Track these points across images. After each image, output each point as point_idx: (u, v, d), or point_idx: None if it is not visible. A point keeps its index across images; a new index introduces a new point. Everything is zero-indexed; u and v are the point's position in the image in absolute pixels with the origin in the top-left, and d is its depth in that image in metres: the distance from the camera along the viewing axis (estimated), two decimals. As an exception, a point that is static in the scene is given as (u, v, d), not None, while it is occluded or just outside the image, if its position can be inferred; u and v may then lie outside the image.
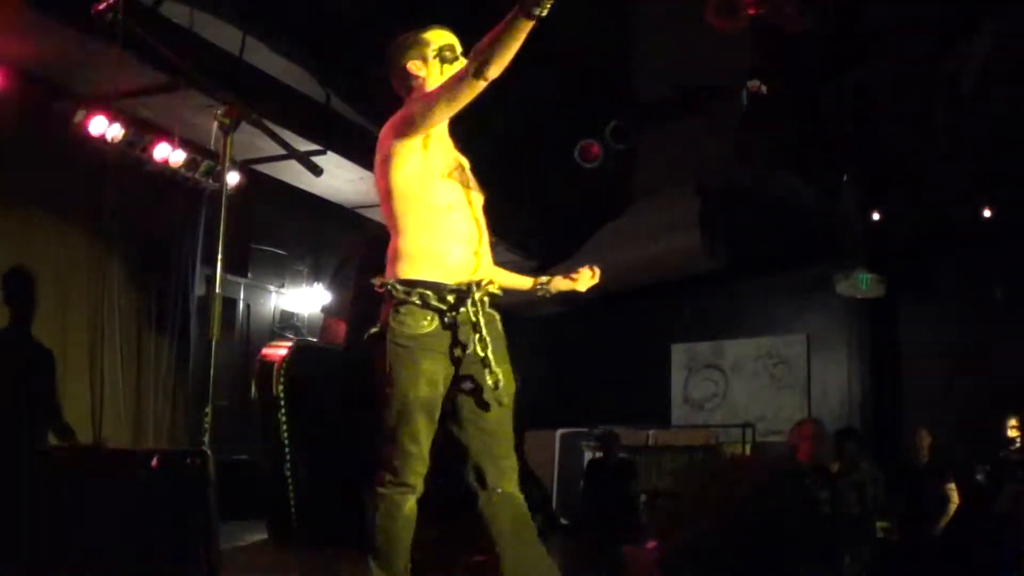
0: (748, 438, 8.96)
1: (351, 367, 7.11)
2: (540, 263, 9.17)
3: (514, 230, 8.05)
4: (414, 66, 2.78)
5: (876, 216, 8.57)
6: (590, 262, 3.11)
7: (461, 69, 2.50)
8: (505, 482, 2.64)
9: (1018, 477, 6.55)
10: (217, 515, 2.42)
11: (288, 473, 6.25)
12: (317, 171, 3.10)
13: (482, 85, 2.44)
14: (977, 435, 7.25)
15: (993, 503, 6.44)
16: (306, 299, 9.19)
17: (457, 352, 2.59)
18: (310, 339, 8.45)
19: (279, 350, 6.57)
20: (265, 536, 6.21)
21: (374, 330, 2.64)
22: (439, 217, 2.64)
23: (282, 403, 6.29)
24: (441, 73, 2.72)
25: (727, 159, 8.47)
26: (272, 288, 9.02)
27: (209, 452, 2.44)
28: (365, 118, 7.36)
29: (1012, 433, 6.85)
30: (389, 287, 2.61)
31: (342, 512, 6.30)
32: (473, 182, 2.77)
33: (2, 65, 5.43)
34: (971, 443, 7.24)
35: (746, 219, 8.91)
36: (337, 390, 6.70)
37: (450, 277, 2.62)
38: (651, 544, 4.56)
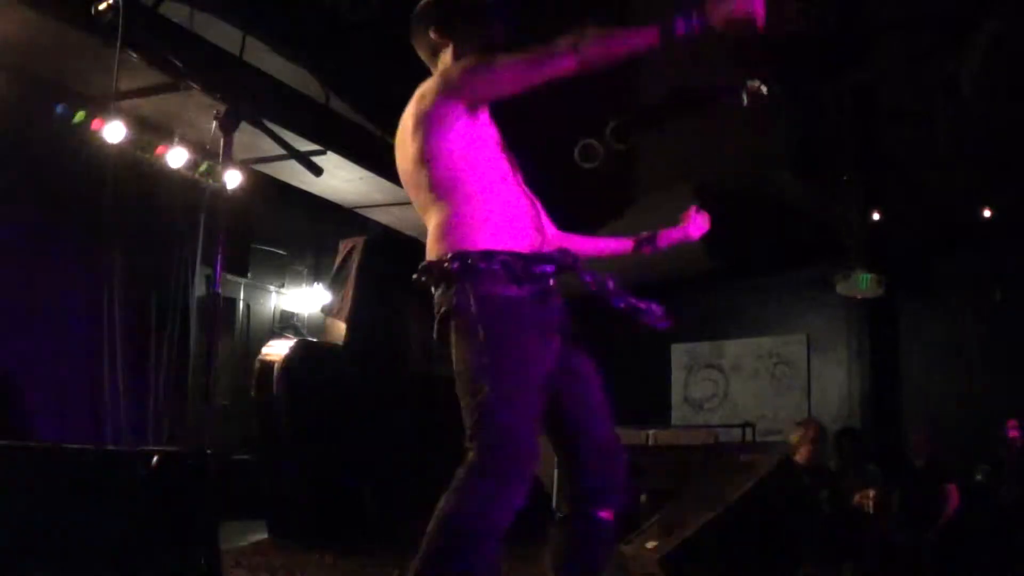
0: (748, 438, 8.95)
1: (351, 367, 7.13)
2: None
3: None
4: (438, 31, 2.46)
5: (876, 216, 8.56)
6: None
7: (559, 48, 2.20)
8: (606, 504, 2.31)
9: (1018, 477, 6.55)
10: (217, 515, 2.42)
11: (288, 473, 6.25)
12: (317, 171, 3.10)
13: (574, 73, 2.20)
14: (977, 435, 7.25)
15: (993, 503, 6.44)
16: (306, 299, 9.20)
17: (550, 329, 2.23)
18: (310, 339, 8.46)
19: (279, 350, 6.57)
20: (265, 536, 6.22)
21: (444, 308, 2.24)
22: (497, 187, 2.32)
23: (282, 403, 6.29)
24: (469, 35, 2.41)
25: (727, 159, 8.46)
26: (272, 288, 9.02)
27: (209, 452, 2.44)
28: (365, 118, 7.36)
29: (1012, 433, 6.85)
30: (458, 259, 2.20)
31: (342, 512, 6.32)
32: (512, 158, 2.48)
33: (2, 65, 5.43)
34: (971, 443, 7.24)
35: (746, 219, 8.90)
36: (337, 390, 6.71)
37: (523, 248, 2.27)
38: (651, 544, 4.55)
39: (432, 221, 2.32)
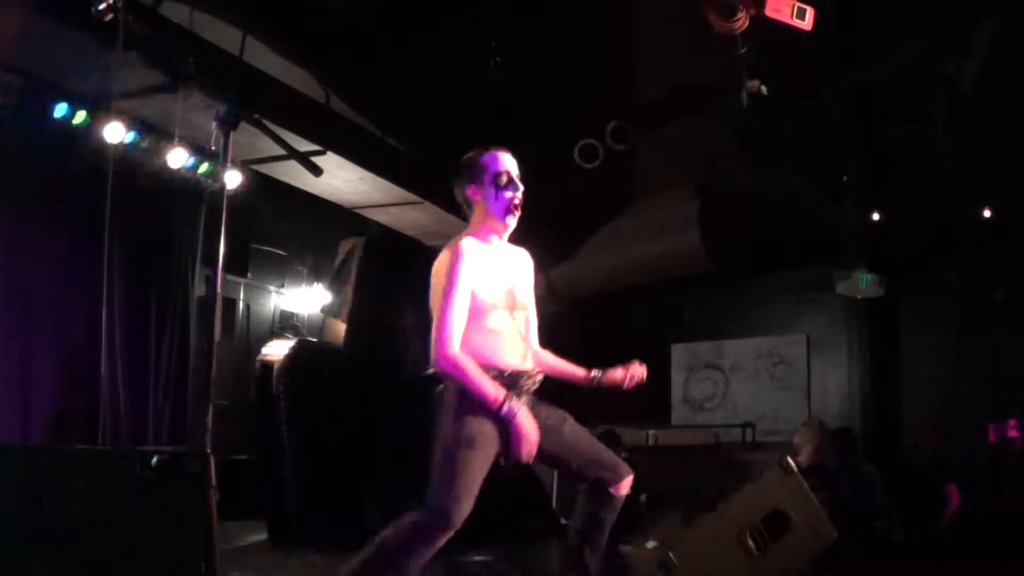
0: (748, 438, 8.95)
1: (351, 367, 7.13)
2: (539, 263, 9.15)
3: (514, 230, 7.99)
4: (472, 190, 3.11)
5: (876, 216, 8.56)
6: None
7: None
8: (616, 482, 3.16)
9: (1018, 477, 6.55)
10: (217, 515, 2.41)
11: (288, 473, 6.25)
12: (317, 171, 3.11)
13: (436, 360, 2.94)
14: (977, 435, 7.25)
15: (993, 503, 6.45)
16: (306, 299, 9.20)
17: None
18: (310, 339, 8.46)
19: (279, 350, 6.57)
20: (265, 536, 6.22)
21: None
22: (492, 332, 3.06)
23: (282, 403, 6.29)
24: (496, 198, 3.09)
25: (727, 159, 8.46)
26: (272, 288, 9.02)
27: (209, 452, 2.44)
28: (365, 118, 7.35)
29: (1012, 433, 6.85)
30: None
31: (342, 512, 6.32)
32: (520, 299, 3.16)
33: (1, 65, 5.43)
34: (971, 443, 7.24)
35: (746, 219, 8.90)
36: (337, 390, 6.71)
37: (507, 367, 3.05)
38: (651, 544, 4.55)
39: None
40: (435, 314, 2.96)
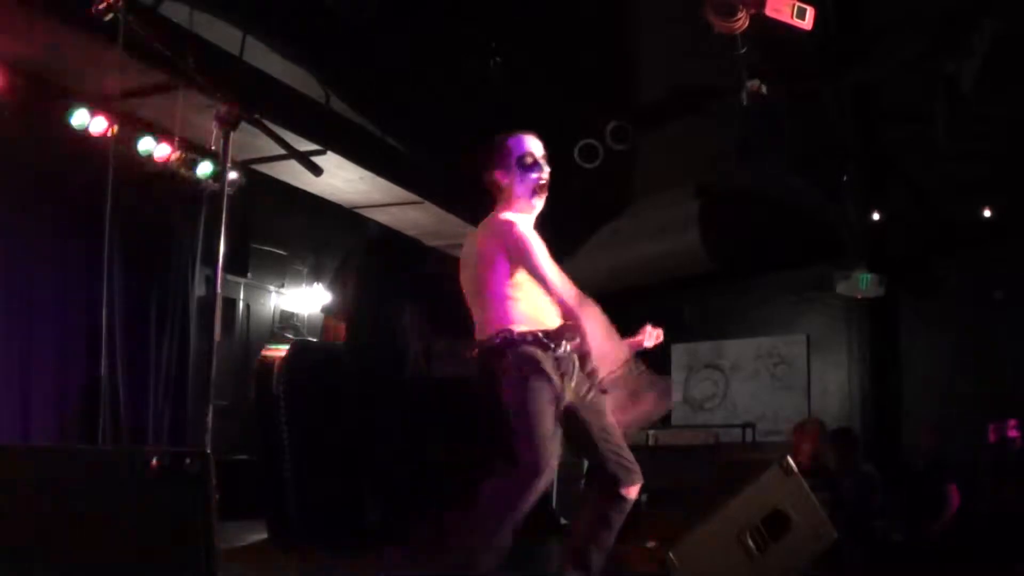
0: (748, 438, 8.95)
1: (351, 367, 7.14)
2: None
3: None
4: (499, 174, 3.19)
5: (876, 216, 8.56)
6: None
7: (568, 298, 3.07)
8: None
9: (1018, 477, 6.55)
10: (217, 515, 2.42)
11: (288, 473, 6.25)
12: (317, 171, 3.11)
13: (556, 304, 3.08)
14: (977, 435, 7.26)
15: (993, 503, 6.45)
16: (306, 299, 9.20)
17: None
18: (310, 339, 8.46)
19: (279, 350, 6.58)
20: (265, 536, 6.22)
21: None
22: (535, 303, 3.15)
23: (282, 403, 6.29)
24: (522, 179, 3.16)
25: (727, 159, 8.46)
26: (272, 288, 9.02)
27: (209, 452, 2.44)
28: (365, 118, 7.36)
29: (1012, 433, 6.85)
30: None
31: (342, 512, 6.32)
32: None
33: (1, 65, 5.43)
34: (971, 443, 7.24)
35: (746, 219, 8.90)
36: (337, 390, 6.72)
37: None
38: (651, 543, 4.56)
39: None
40: (517, 283, 3.04)
